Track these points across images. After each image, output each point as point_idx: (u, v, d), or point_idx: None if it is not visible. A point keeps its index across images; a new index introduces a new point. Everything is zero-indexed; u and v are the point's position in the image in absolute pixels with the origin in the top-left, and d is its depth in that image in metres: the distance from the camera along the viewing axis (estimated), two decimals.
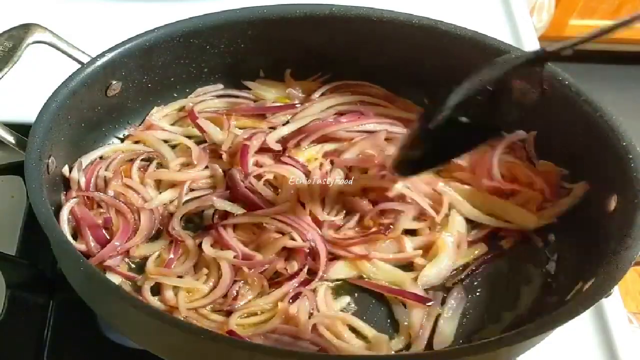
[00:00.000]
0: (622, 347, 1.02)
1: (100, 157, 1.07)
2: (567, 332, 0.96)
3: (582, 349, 1.02)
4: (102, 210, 0.99)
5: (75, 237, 0.96)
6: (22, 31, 1.00)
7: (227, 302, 0.91)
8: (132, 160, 1.07)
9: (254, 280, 0.92)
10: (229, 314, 0.90)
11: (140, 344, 0.86)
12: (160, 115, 1.15)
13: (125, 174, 1.05)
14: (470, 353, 0.74)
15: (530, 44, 1.46)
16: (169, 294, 0.91)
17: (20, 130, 0.95)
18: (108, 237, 0.96)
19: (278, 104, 1.18)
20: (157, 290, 0.93)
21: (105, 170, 1.04)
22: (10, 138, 0.94)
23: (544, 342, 0.85)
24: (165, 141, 1.11)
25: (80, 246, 0.94)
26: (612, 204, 0.93)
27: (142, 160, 1.08)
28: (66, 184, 1.01)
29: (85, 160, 1.05)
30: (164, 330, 0.76)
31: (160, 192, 1.04)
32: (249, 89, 1.20)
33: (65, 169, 1.00)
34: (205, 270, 0.94)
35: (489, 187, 1.04)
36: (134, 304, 0.75)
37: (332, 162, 1.07)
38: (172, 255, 0.95)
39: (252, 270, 0.93)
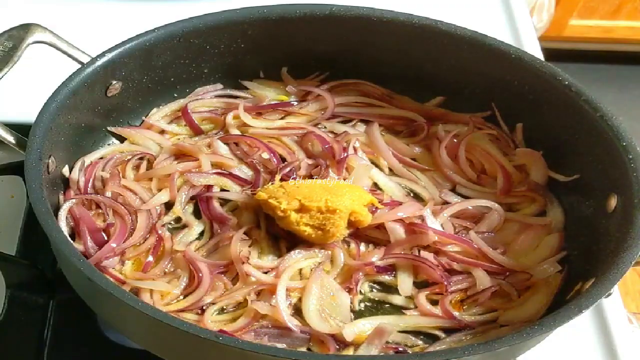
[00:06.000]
0: (622, 347, 1.02)
1: (101, 158, 1.07)
2: (567, 332, 0.96)
3: (582, 349, 1.02)
4: (100, 210, 0.99)
5: (73, 237, 0.96)
6: (22, 31, 1.00)
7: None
8: (128, 160, 1.08)
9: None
10: (199, 312, 0.91)
11: (139, 344, 0.86)
12: (160, 116, 1.15)
13: (122, 174, 1.06)
14: (471, 353, 0.74)
15: (530, 44, 1.46)
16: (145, 296, 0.91)
17: (20, 130, 0.95)
18: (105, 238, 0.96)
19: (274, 102, 1.18)
20: None
21: (102, 170, 1.04)
22: (10, 138, 0.94)
23: (544, 342, 0.85)
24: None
25: (78, 246, 0.94)
26: (612, 204, 0.93)
27: (138, 159, 1.09)
28: (65, 183, 1.01)
29: (87, 160, 1.05)
30: (163, 330, 0.76)
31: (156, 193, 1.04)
32: (248, 89, 1.20)
33: (66, 169, 1.00)
34: (179, 272, 0.94)
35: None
36: (133, 303, 0.75)
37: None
38: (150, 258, 0.95)
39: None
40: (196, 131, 1.15)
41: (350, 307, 0.92)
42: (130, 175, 1.06)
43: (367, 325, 0.89)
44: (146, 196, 1.03)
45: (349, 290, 0.93)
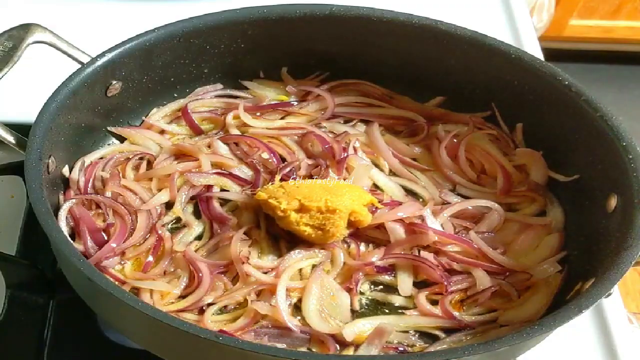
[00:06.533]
0: (622, 347, 1.02)
1: (101, 158, 1.07)
2: (567, 332, 0.96)
3: (582, 349, 1.02)
4: (100, 210, 0.99)
5: (73, 237, 0.96)
6: (22, 31, 1.00)
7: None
8: (128, 160, 1.08)
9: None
10: (199, 312, 0.91)
11: (139, 344, 0.86)
12: (160, 116, 1.15)
13: (122, 174, 1.06)
14: (471, 353, 0.74)
15: (530, 44, 1.46)
16: (145, 296, 0.91)
17: (20, 130, 0.95)
18: (105, 238, 0.96)
19: (274, 102, 1.18)
20: None
21: (102, 170, 1.04)
22: (10, 138, 0.94)
23: (544, 342, 0.85)
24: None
25: (78, 246, 0.94)
26: (612, 204, 0.93)
27: (138, 159, 1.09)
28: (65, 183, 1.01)
29: (87, 160, 1.05)
30: (163, 330, 0.76)
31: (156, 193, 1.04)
32: (248, 89, 1.20)
33: (66, 169, 1.00)
34: (179, 272, 0.94)
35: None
36: (133, 303, 0.75)
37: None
38: (150, 258, 0.95)
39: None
40: (196, 131, 1.15)
41: (350, 307, 0.92)
42: (130, 175, 1.06)
43: (367, 325, 0.89)
44: (146, 196, 1.03)
45: (349, 290, 0.93)
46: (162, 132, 1.14)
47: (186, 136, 1.15)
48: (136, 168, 1.08)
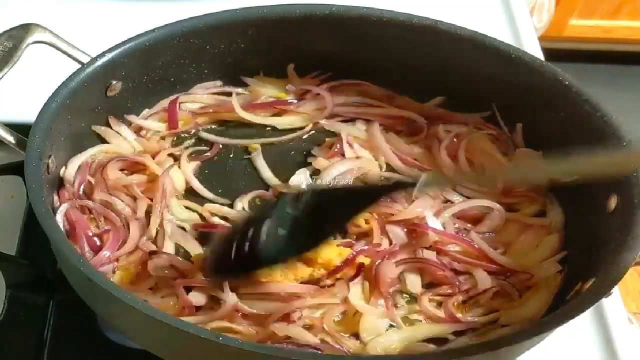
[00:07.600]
0: (622, 347, 1.02)
1: (92, 161, 1.04)
2: (567, 332, 0.96)
3: (582, 349, 1.02)
4: (93, 215, 0.97)
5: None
6: (22, 31, 1.00)
7: None
8: (108, 162, 1.03)
9: None
10: None
11: (140, 344, 0.86)
12: (147, 115, 1.13)
13: (105, 176, 1.01)
14: (471, 353, 0.74)
15: (530, 44, 1.46)
16: None
17: (20, 130, 0.95)
18: (99, 244, 0.95)
19: (271, 100, 1.18)
20: None
21: (89, 173, 1.01)
22: (10, 138, 0.94)
23: (544, 342, 0.85)
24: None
25: None
26: (612, 204, 0.93)
27: (118, 160, 1.04)
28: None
29: (77, 161, 1.02)
30: (164, 330, 0.76)
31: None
32: (248, 86, 1.20)
33: (63, 170, 1.00)
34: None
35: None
36: (133, 303, 0.75)
37: None
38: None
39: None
40: (172, 125, 1.12)
41: None
42: (113, 178, 1.01)
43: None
44: (132, 203, 1.00)
45: None
46: (140, 129, 1.11)
47: (160, 134, 1.12)
48: (122, 169, 1.04)
